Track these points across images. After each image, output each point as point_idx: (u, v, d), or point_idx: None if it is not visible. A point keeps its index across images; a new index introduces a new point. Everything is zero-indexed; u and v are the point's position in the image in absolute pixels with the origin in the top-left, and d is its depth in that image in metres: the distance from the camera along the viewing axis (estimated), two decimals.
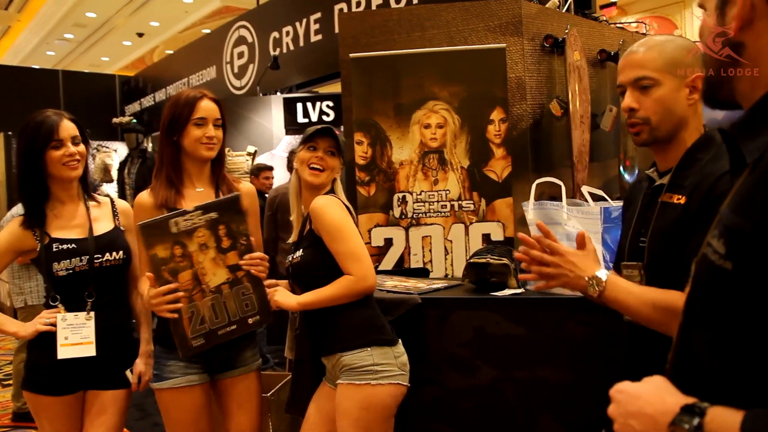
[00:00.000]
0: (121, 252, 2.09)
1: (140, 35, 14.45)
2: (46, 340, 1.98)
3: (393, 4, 5.06)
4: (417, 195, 3.29)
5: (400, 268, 3.19)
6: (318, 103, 6.08)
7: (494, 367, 2.07)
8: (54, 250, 2.00)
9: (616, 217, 2.04)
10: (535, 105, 3.47)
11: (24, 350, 2.80)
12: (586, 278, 1.37)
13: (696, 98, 1.40)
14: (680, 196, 1.37)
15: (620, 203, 2.12)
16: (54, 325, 1.98)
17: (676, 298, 1.30)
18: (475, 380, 2.09)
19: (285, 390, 2.36)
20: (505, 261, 2.19)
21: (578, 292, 1.41)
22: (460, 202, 3.28)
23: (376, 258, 3.17)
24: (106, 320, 2.05)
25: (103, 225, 2.12)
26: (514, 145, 3.28)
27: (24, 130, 2.03)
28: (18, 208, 3.08)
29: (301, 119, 6.09)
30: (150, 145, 6.98)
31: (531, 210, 2.19)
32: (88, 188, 2.17)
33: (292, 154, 5.15)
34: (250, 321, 1.98)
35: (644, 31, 4.62)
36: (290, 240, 2.12)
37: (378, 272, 2.48)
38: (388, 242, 3.26)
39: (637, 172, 3.97)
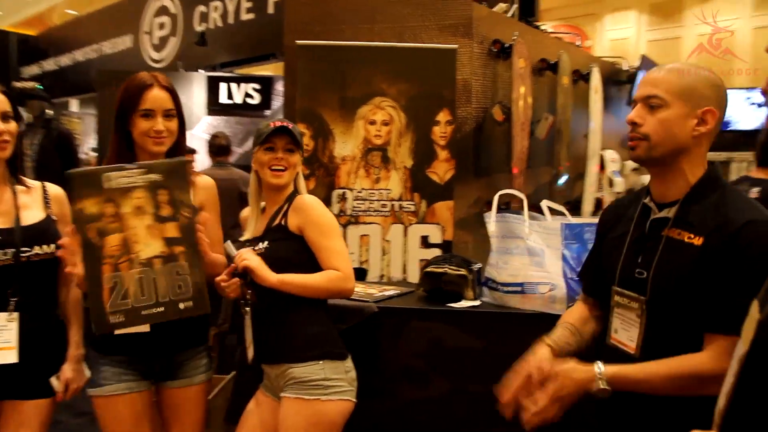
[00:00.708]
0: (52, 245, 1.86)
1: None
2: None
3: None
4: (357, 192, 3.20)
5: None
6: (243, 85, 5.82)
7: (448, 380, 2.03)
8: None
9: (577, 233, 2.04)
10: (479, 108, 3.47)
11: None
12: (594, 379, 1.37)
13: (702, 131, 1.40)
14: (692, 236, 1.36)
15: (580, 219, 2.14)
16: None
17: (696, 363, 1.32)
18: (429, 392, 2.04)
19: (222, 395, 2.21)
20: (463, 272, 2.15)
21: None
22: (400, 202, 3.22)
23: None
24: (32, 321, 1.82)
25: (32, 213, 1.87)
26: (457, 148, 3.26)
27: None
28: None
29: (224, 100, 5.81)
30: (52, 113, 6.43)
31: (493, 222, 2.16)
32: (16, 171, 1.91)
33: (215, 138, 4.89)
34: (182, 306, 1.72)
35: (578, 43, 4.74)
36: (246, 236, 1.98)
37: None
38: None
39: (565, 178, 4.07)
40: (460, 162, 3.28)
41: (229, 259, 1.89)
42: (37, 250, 1.83)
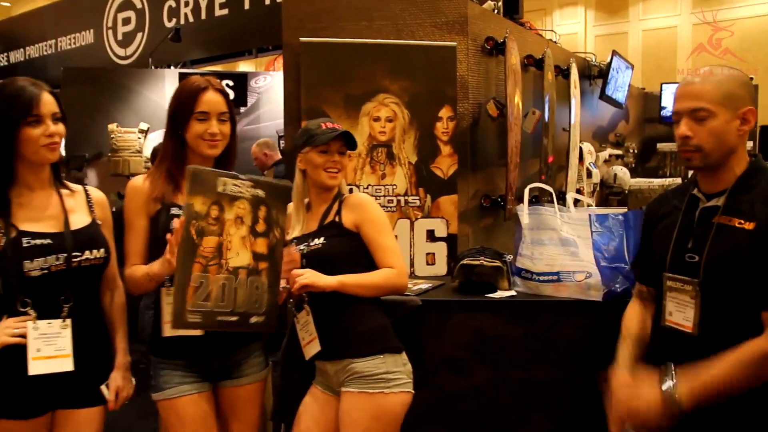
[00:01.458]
0: (102, 249, 1.83)
1: None
2: (11, 353, 1.67)
3: None
4: (364, 189, 3.23)
5: None
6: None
7: (490, 368, 2.11)
8: (24, 245, 1.70)
9: (604, 223, 2.15)
10: (475, 104, 3.55)
11: None
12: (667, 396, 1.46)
13: (746, 129, 1.51)
14: (742, 221, 1.47)
15: (605, 210, 2.24)
16: (24, 336, 1.69)
17: (760, 345, 1.43)
18: (471, 381, 2.11)
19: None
20: (498, 263, 2.23)
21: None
22: (406, 197, 3.27)
23: None
24: (83, 328, 1.78)
25: (79, 217, 1.84)
26: (458, 143, 3.33)
27: None
28: None
29: None
30: None
31: (526, 214, 2.24)
32: (59, 174, 1.87)
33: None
34: (253, 320, 1.77)
35: (556, 39, 4.88)
36: (295, 233, 2.00)
37: None
38: None
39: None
40: (461, 157, 3.35)
41: None
42: (87, 255, 1.80)
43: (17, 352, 1.68)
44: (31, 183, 1.78)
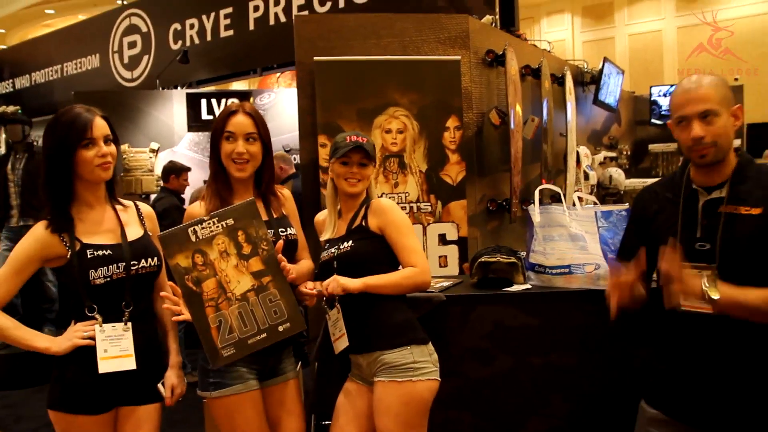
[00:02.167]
0: (155, 258, 2.01)
1: None
2: (84, 354, 1.85)
3: (318, 7, 5.11)
4: (378, 197, 3.42)
5: None
6: (224, 100, 5.93)
7: (510, 356, 2.29)
8: (89, 256, 1.88)
9: (609, 218, 2.35)
10: (478, 114, 3.75)
11: None
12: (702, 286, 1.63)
13: (737, 125, 1.72)
14: (748, 208, 1.67)
15: (609, 207, 2.44)
16: (92, 338, 1.86)
17: None
18: (494, 369, 2.29)
19: None
20: (513, 260, 2.42)
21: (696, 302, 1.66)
22: (418, 204, 3.46)
23: None
24: (141, 331, 1.95)
25: (133, 230, 2.02)
26: (465, 151, 3.53)
27: (53, 128, 1.88)
28: None
29: (205, 116, 5.91)
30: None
31: (537, 213, 2.43)
32: (113, 191, 2.06)
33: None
34: (281, 329, 1.94)
35: (549, 49, 5.10)
36: (327, 237, 2.18)
37: None
38: None
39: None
40: (468, 164, 3.55)
41: None
42: (143, 263, 1.97)
43: (85, 354, 1.86)
44: (90, 200, 1.97)
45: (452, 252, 3.46)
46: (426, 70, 3.45)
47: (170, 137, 5.91)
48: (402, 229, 2.11)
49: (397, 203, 3.43)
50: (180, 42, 6.34)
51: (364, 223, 2.12)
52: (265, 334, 1.93)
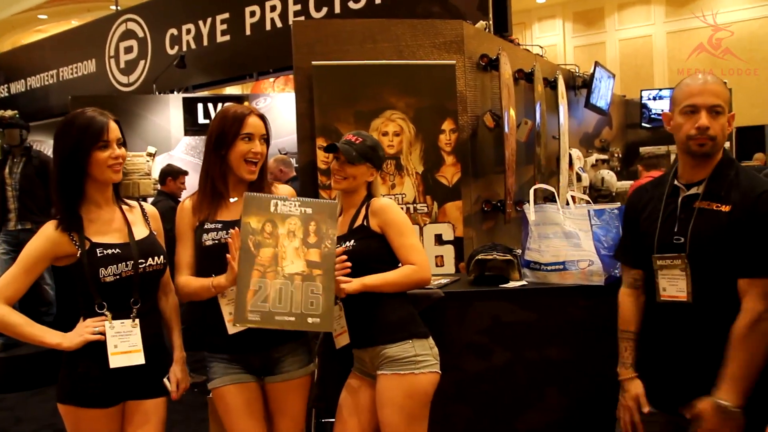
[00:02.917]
0: (161, 256, 2.07)
1: None
2: (95, 349, 1.91)
3: (314, 13, 5.18)
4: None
5: None
6: (220, 104, 5.99)
7: (508, 350, 2.36)
8: (99, 255, 1.94)
9: (602, 217, 2.42)
10: (473, 117, 3.83)
11: None
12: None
13: (730, 130, 1.81)
14: (719, 205, 1.75)
15: (602, 206, 2.51)
16: (103, 333, 1.92)
17: (746, 320, 1.69)
18: (491, 363, 2.36)
19: None
20: (509, 257, 2.49)
21: None
22: (415, 205, 3.53)
23: None
24: (147, 327, 2.01)
25: (139, 229, 2.08)
26: (460, 153, 3.60)
27: (68, 129, 1.94)
28: None
29: (202, 120, 5.97)
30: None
31: (532, 212, 2.50)
32: (119, 192, 2.12)
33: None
34: (310, 321, 1.97)
35: (542, 53, 5.18)
36: None
37: None
38: None
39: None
40: (462, 165, 3.62)
41: None
42: (150, 261, 2.03)
43: (96, 349, 1.91)
44: (98, 200, 2.02)
45: (448, 252, 3.52)
46: (422, 75, 3.52)
47: (167, 141, 5.95)
48: (401, 228, 2.17)
49: None
50: (176, 47, 6.40)
51: (365, 223, 2.18)
52: (293, 318, 1.96)
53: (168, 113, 5.99)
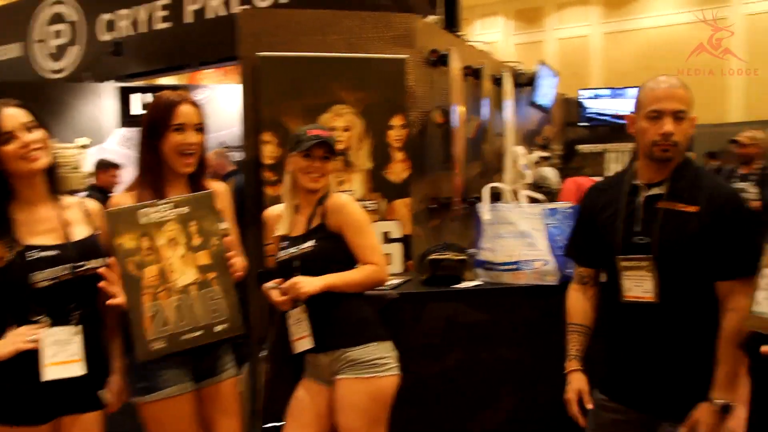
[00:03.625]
0: (104, 258, 1.92)
1: None
2: (24, 361, 1.72)
3: (258, 1, 5.01)
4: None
5: None
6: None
7: (462, 351, 2.33)
8: (32, 258, 1.77)
9: (556, 216, 2.42)
10: (423, 113, 3.79)
11: None
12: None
13: (691, 132, 1.81)
14: (686, 205, 1.76)
15: (555, 205, 2.52)
16: (37, 342, 1.76)
17: (732, 323, 1.70)
18: (446, 364, 2.32)
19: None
20: (463, 257, 2.46)
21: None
22: (363, 202, 3.45)
23: None
24: (88, 334, 1.84)
25: (80, 229, 1.92)
26: (409, 149, 3.56)
27: None
28: None
29: (138, 111, 5.70)
30: None
31: (486, 211, 2.48)
32: (56, 185, 1.94)
33: None
34: (218, 329, 1.87)
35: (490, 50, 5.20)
36: (282, 232, 2.14)
37: None
38: None
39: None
40: (411, 162, 3.58)
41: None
42: (91, 263, 1.87)
43: (26, 360, 1.74)
44: (30, 197, 1.85)
45: (396, 250, 3.47)
46: (372, 69, 3.45)
47: (98, 133, 5.66)
48: (361, 228, 2.10)
49: None
50: (111, 33, 6.09)
51: (322, 222, 2.10)
52: (200, 332, 1.85)
53: (100, 103, 5.70)
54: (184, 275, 1.85)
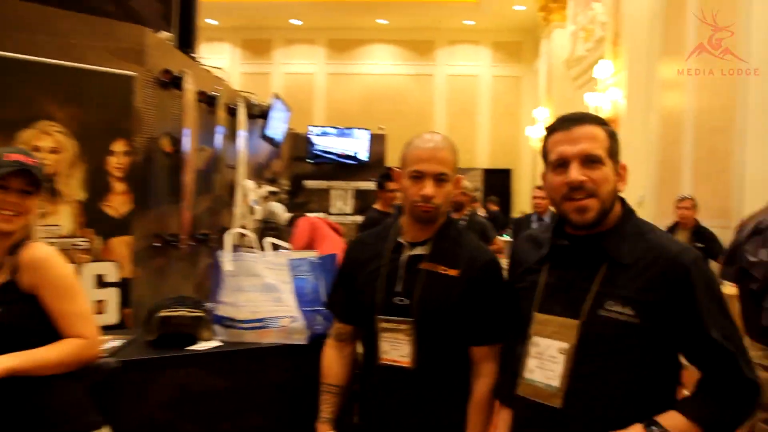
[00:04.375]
0: None
1: None
2: None
3: None
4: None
5: None
6: None
7: (197, 425, 1.99)
8: None
9: (300, 267, 2.25)
10: (150, 139, 3.36)
11: None
12: None
13: (455, 193, 1.79)
14: (446, 268, 1.72)
15: (299, 254, 2.35)
16: None
17: (484, 387, 1.72)
18: None
19: None
20: (200, 313, 2.13)
21: None
22: (72, 239, 2.90)
23: None
24: None
25: None
26: (132, 180, 3.10)
27: None
28: None
29: None
30: None
31: (229, 261, 2.19)
32: None
33: None
34: None
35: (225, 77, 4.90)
36: None
37: None
38: None
39: None
40: (134, 194, 3.13)
41: None
42: None
43: None
44: None
45: (112, 296, 2.99)
46: (92, 83, 2.94)
47: None
48: (61, 291, 1.67)
49: (45, 238, 2.84)
50: None
51: (14, 279, 1.62)
52: None
53: None
54: None
